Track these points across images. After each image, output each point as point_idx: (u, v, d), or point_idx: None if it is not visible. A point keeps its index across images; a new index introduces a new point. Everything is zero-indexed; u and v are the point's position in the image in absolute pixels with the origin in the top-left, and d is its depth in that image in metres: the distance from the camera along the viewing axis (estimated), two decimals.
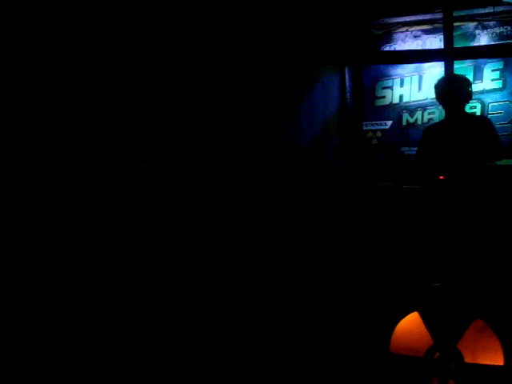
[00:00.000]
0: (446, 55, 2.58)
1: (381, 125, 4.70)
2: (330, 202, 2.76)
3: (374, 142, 4.72)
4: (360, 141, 4.66)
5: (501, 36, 4.25)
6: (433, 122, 4.34)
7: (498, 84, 4.32)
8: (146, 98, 3.04)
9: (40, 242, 2.71)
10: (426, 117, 4.54)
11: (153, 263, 2.82)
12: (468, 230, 2.48)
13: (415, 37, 4.52)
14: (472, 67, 4.32)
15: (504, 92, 4.29)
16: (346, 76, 4.70)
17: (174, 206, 2.91)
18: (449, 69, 2.63)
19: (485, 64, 4.31)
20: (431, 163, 3.21)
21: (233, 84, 3.22)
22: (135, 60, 3.00)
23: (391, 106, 4.68)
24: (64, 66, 2.81)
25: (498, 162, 3.13)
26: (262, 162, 2.99)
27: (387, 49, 4.56)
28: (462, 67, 4.23)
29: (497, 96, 4.31)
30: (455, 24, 3.76)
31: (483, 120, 3.81)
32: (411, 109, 4.61)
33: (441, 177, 2.59)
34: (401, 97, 4.65)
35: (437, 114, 4.45)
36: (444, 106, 3.59)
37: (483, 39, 4.29)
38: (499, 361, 2.29)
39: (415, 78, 4.59)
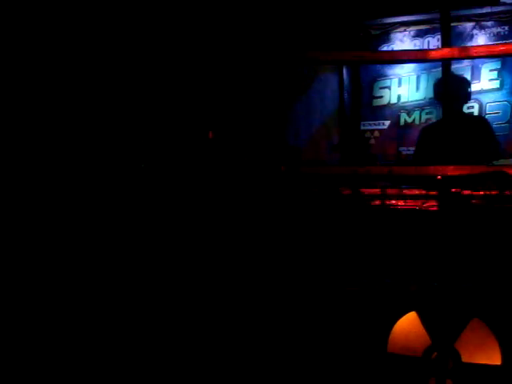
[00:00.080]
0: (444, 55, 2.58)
1: (378, 125, 4.70)
2: (326, 202, 2.76)
3: (372, 141, 4.72)
4: (358, 141, 4.66)
5: (498, 36, 4.26)
6: (430, 121, 4.35)
7: (495, 84, 4.32)
8: (145, 98, 3.04)
9: (38, 241, 2.71)
10: (424, 117, 4.54)
11: (151, 263, 2.82)
12: (466, 230, 2.49)
13: (413, 37, 4.52)
14: (469, 67, 4.33)
15: (502, 92, 4.30)
16: (344, 76, 4.71)
17: (173, 205, 2.91)
18: (447, 68, 2.64)
19: (482, 64, 4.32)
20: (429, 163, 3.22)
21: (229, 83, 3.22)
22: (133, 60, 2.99)
23: (389, 105, 4.68)
24: (60, 66, 2.80)
25: (496, 162, 3.13)
26: (259, 162, 2.99)
27: (385, 49, 4.56)
28: (460, 67, 4.23)
29: (494, 96, 4.32)
30: (453, 24, 3.76)
31: (480, 120, 3.82)
32: (409, 109, 4.61)
33: (438, 177, 2.60)
34: (399, 97, 4.65)
35: (434, 113, 4.45)
36: (442, 106, 3.59)
37: (481, 39, 4.30)
38: (497, 360, 2.29)
39: (413, 78, 4.59)
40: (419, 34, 4.50)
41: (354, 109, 4.69)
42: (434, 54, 2.80)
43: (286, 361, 2.56)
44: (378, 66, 4.63)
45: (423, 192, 2.62)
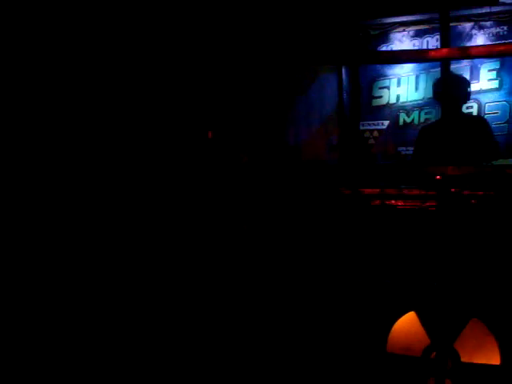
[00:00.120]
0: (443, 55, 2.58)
1: (378, 125, 4.70)
2: (328, 202, 2.76)
3: (371, 141, 4.72)
4: (357, 141, 4.66)
5: (497, 36, 4.26)
6: (429, 121, 4.35)
7: (494, 84, 4.33)
8: (144, 98, 3.04)
9: (37, 241, 2.71)
10: (423, 117, 4.54)
11: (149, 262, 2.82)
12: (465, 229, 2.49)
13: (412, 37, 4.52)
14: (468, 67, 4.33)
15: (500, 92, 4.30)
16: (343, 76, 4.71)
17: (173, 203, 2.91)
18: (446, 68, 2.64)
19: (481, 64, 4.32)
20: (428, 163, 3.22)
21: (228, 83, 3.22)
22: (131, 60, 2.99)
23: (388, 105, 4.68)
24: (59, 65, 2.80)
25: (495, 162, 3.14)
26: (259, 161, 2.99)
27: (384, 49, 4.56)
28: (459, 67, 4.23)
29: (493, 96, 4.32)
30: (452, 24, 3.77)
31: (479, 120, 3.82)
32: (408, 109, 4.61)
33: (437, 177, 2.60)
34: (398, 97, 4.65)
35: (433, 113, 4.45)
36: (441, 106, 3.60)
37: (480, 39, 4.30)
38: (496, 360, 2.29)
39: (412, 78, 4.59)
40: (418, 34, 4.50)
41: (354, 109, 4.69)
42: (433, 54, 2.81)
43: (285, 360, 2.56)
44: (377, 66, 4.63)
45: (422, 192, 2.62)
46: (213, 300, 2.71)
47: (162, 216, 2.88)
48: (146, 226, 2.86)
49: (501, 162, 3.11)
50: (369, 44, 4.56)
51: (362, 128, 4.69)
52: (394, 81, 4.65)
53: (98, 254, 2.80)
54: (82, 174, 2.86)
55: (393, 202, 2.67)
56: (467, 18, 4.28)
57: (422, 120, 4.53)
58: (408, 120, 4.61)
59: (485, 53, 2.92)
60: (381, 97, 4.69)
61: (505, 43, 4.00)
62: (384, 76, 4.67)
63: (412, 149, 4.06)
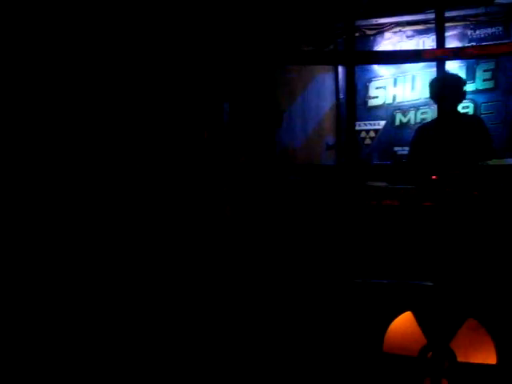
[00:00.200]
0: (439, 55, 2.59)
1: (374, 125, 4.71)
2: (324, 202, 2.76)
3: (368, 141, 4.73)
4: (354, 141, 4.66)
5: (493, 36, 4.27)
6: (426, 121, 4.36)
7: (490, 84, 4.34)
8: (140, 98, 3.03)
9: (36, 241, 2.71)
10: (419, 117, 4.56)
11: (148, 262, 2.81)
12: (461, 229, 2.49)
13: (408, 37, 4.53)
14: (464, 67, 4.34)
15: (496, 92, 4.32)
16: (340, 76, 4.71)
17: (169, 204, 2.91)
18: (441, 68, 2.64)
19: (477, 64, 4.34)
20: (424, 162, 3.22)
21: (223, 83, 3.22)
22: (128, 60, 2.99)
23: (384, 105, 4.69)
24: (58, 63, 2.80)
25: (490, 162, 3.14)
26: (254, 163, 2.99)
27: (380, 49, 4.57)
28: (455, 67, 4.24)
29: (489, 96, 4.34)
30: (448, 24, 3.78)
31: (475, 119, 3.83)
32: (404, 109, 4.63)
33: (433, 176, 2.60)
34: (394, 97, 4.66)
35: (429, 113, 4.46)
36: (437, 105, 3.60)
37: (475, 40, 4.31)
38: (492, 360, 2.30)
39: (408, 78, 4.60)
40: (414, 34, 4.51)
41: (350, 109, 4.69)
42: (428, 54, 2.81)
43: (280, 360, 2.56)
44: (374, 67, 4.65)
45: (418, 191, 2.63)
46: (211, 297, 2.71)
47: (158, 213, 2.88)
48: (143, 223, 2.86)
49: (496, 161, 3.12)
50: (365, 44, 4.56)
51: (358, 128, 4.70)
52: (391, 81, 4.66)
53: (94, 251, 2.79)
54: (81, 173, 2.85)
55: (389, 201, 2.67)
56: (463, 18, 4.30)
57: (418, 120, 4.54)
58: (404, 120, 4.62)
59: (480, 53, 2.92)
60: (377, 97, 4.70)
61: (500, 43, 4.02)
62: (380, 76, 4.68)
63: (408, 148, 4.07)
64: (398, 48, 4.48)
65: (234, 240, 2.79)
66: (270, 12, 3.41)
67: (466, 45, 4.24)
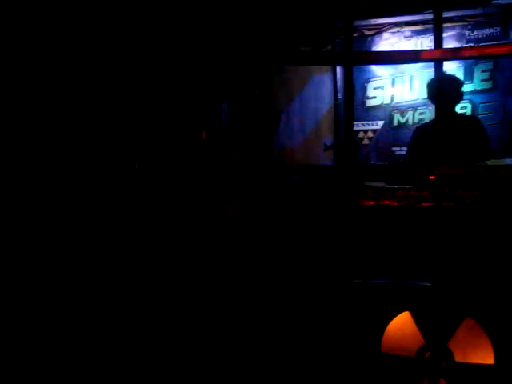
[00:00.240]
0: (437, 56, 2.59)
1: (372, 125, 4.71)
2: (322, 203, 2.76)
3: (366, 142, 4.73)
4: (352, 141, 4.67)
5: (491, 37, 4.28)
6: (424, 122, 4.36)
7: (488, 84, 4.34)
8: (138, 99, 3.03)
9: (35, 241, 2.70)
10: (417, 117, 4.56)
11: (147, 263, 2.81)
12: (459, 230, 2.49)
13: (406, 37, 4.54)
14: (462, 68, 4.35)
15: (494, 92, 4.32)
16: (338, 76, 4.71)
17: (168, 206, 2.90)
18: (439, 69, 2.65)
19: (475, 64, 4.34)
20: (422, 163, 3.23)
21: (221, 83, 3.21)
22: (126, 61, 2.98)
23: (382, 106, 4.69)
24: (57, 63, 2.79)
25: (488, 162, 3.15)
26: (252, 163, 2.99)
27: (378, 49, 4.57)
28: (453, 68, 4.25)
29: (487, 96, 4.34)
30: (446, 25, 3.78)
31: (473, 120, 3.83)
32: (402, 109, 4.63)
33: (431, 177, 2.60)
34: (392, 97, 4.66)
35: (427, 114, 4.46)
36: (435, 106, 3.60)
37: (473, 40, 4.32)
38: (490, 360, 2.30)
39: (406, 79, 4.60)
40: (412, 35, 4.51)
41: (348, 109, 4.70)
42: (426, 55, 2.81)
43: (278, 360, 2.56)
44: (372, 67, 4.65)
45: (416, 192, 2.63)
46: (210, 297, 2.71)
47: (156, 212, 2.88)
48: (142, 222, 2.86)
49: (493, 162, 3.12)
50: (363, 44, 4.56)
51: (356, 128, 4.70)
52: (389, 81, 4.66)
53: (93, 253, 2.79)
54: (80, 172, 2.85)
55: (387, 202, 2.67)
56: (461, 19, 4.30)
57: (416, 120, 4.54)
58: (402, 120, 4.62)
59: (478, 53, 2.93)
60: (375, 97, 4.70)
61: (498, 44, 4.02)
62: (378, 76, 4.68)
63: (406, 149, 4.08)
64: (396, 48, 4.48)
65: (233, 239, 2.79)
66: (268, 12, 3.41)
67: (464, 45, 4.24)
